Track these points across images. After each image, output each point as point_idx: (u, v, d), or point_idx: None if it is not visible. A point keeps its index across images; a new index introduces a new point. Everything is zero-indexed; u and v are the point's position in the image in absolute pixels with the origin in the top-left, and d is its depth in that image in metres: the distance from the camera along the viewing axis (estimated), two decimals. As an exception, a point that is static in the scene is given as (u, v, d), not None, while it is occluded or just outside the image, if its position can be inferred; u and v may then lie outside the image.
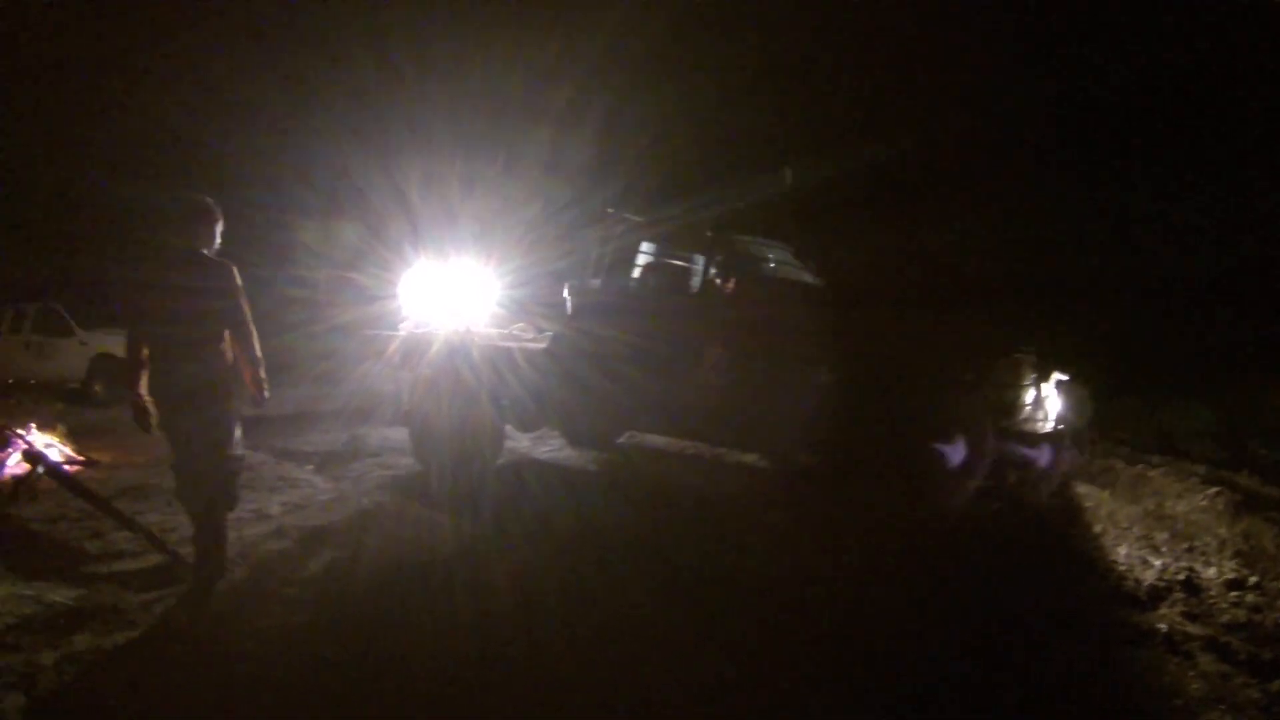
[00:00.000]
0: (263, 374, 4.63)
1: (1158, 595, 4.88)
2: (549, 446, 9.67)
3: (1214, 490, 6.77)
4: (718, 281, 6.79)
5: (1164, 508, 6.81)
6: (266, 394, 4.70)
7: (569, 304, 7.44)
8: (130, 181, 18.10)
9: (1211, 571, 5.27)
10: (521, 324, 8.65)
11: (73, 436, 8.15)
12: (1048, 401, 6.69)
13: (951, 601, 4.77)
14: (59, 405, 12.73)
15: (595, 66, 18.79)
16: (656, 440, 9.52)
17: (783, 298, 6.78)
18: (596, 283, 7.44)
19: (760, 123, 17.71)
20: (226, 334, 4.50)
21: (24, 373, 14.59)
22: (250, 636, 4.05)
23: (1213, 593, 4.93)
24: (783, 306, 6.58)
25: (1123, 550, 5.81)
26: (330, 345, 14.16)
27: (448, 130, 20.47)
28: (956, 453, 5.99)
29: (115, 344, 14.42)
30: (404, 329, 8.58)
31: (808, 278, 7.48)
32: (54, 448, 7.43)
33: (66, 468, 7.00)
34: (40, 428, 7.56)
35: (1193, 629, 4.39)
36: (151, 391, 4.36)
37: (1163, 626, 4.38)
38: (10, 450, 6.64)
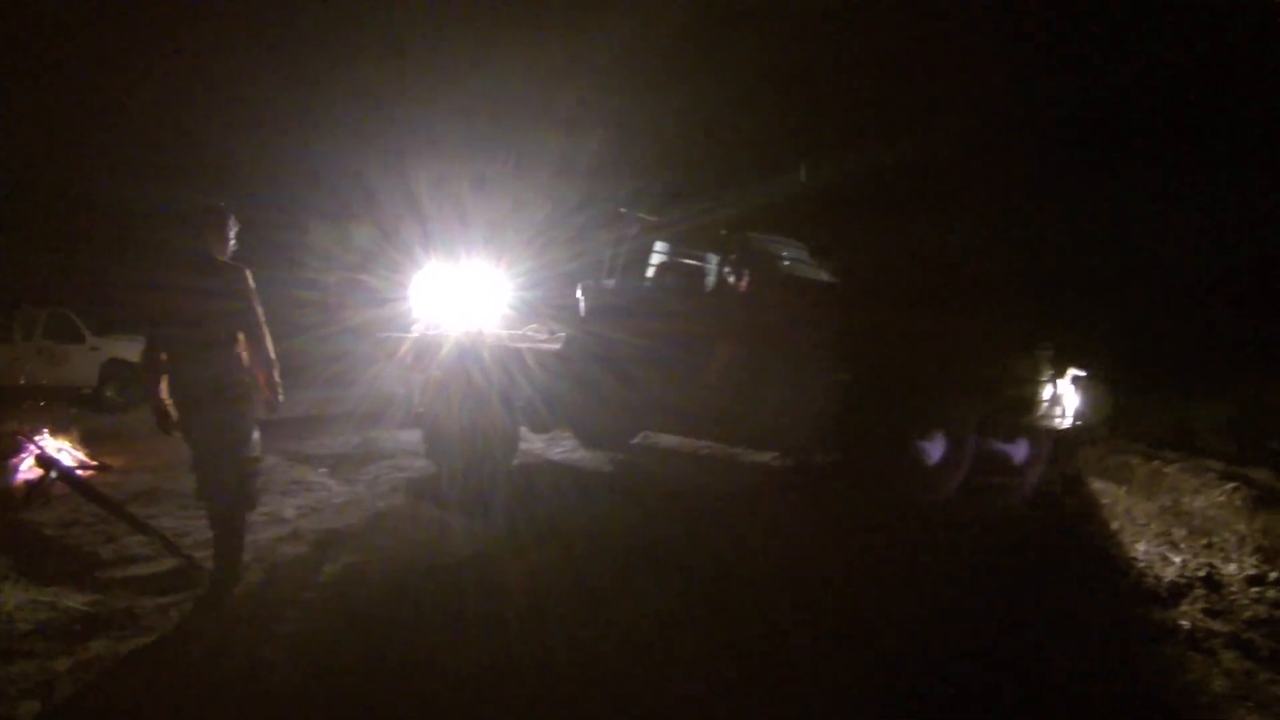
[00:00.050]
0: (277, 377, 4.63)
1: (1178, 592, 4.83)
2: (562, 448, 9.65)
3: (1231, 486, 6.69)
4: (732, 280, 6.77)
5: (1181, 504, 6.76)
6: (281, 397, 4.70)
7: (582, 305, 7.42)
8: (140, 185, 18.14)
9: (1232, 568, 5.23)
10: (535, 325, 8.64)
11: (85, 441, 8.16)
12: (1065, 397, 6.67)
13: (971, 600, 4.73)
14: (71, 410, 12.74)
15: (607, 66, 18.78)
16: (670, 441, 9.51)
17: (798, 296, 6.75)
18: (610, 283, 7.42)
19: (774, 121, 17.67)
20: (241, 337, 4.50)
21: (36, 378, 14.59)
22: (266, 642, 4.02)
23: (1234, 589, 4.89)
24: (798, 305, 6.55)
25: (1141, 547, 5.77)
26: (341, 347, 14.18)
27: (459, 131, 20.49)
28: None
29: (126, 349, 14.49)
30: (415, 331, 8.56)
31: (823, 276, 7.44)
32: (66, 453, 7.45)
33: (79, 472, 7.01)
34: (53, 433, 7.57)
35: (1215, 625, 4.34)
36: (169, 394, 4.38)
37: (1185, 623, 4.34)
38: (23, 455, 6.65)
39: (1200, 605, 4.63)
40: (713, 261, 7.44)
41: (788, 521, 6.43)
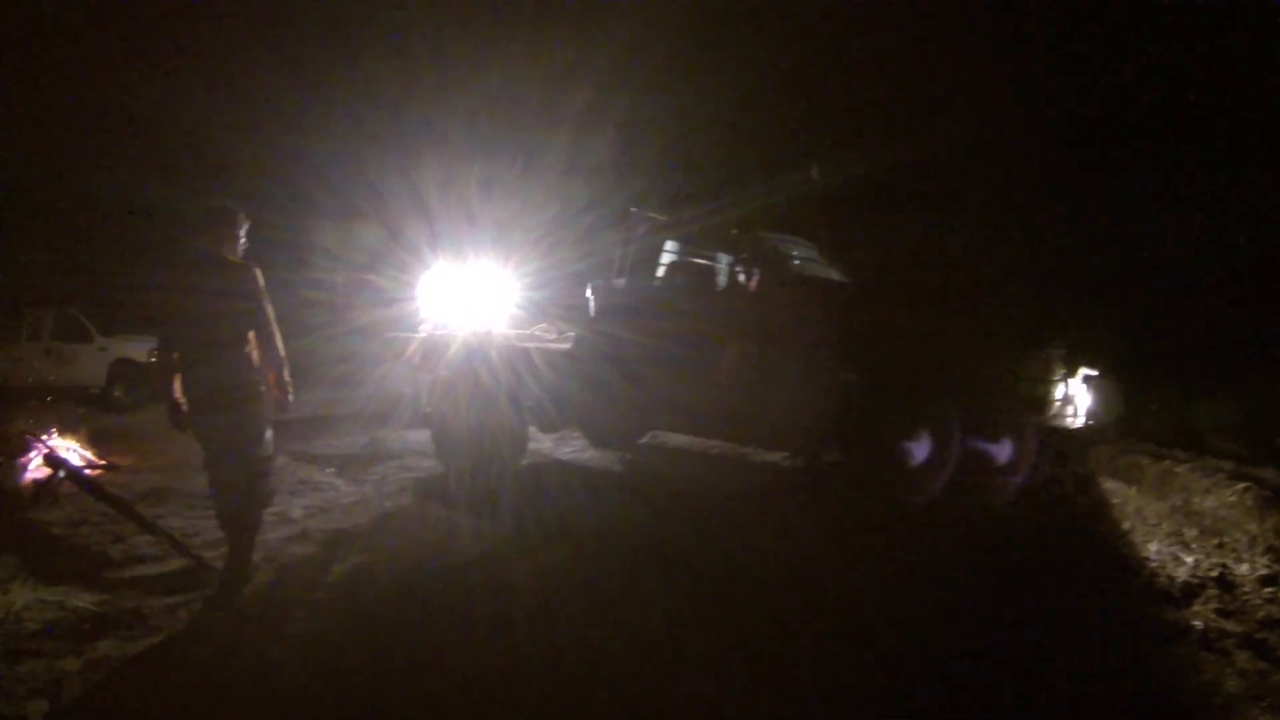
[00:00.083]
0: (287, 376, 4.64)
1: (1191, 592, 4.83)
2: (571, 447, 9.64)
3: (1242, 486, 6.69)
4: (742, 279, 6.75)
5: (1192, 504, 6.76)
6: (291, 396, 4.70)
7: (592, 304, 7.40)
8: (148, 185, 18.17)
9: (1244, 568, 5.22)
10: (544, 325, 8.63)
11: (93, 441, 8.16)
12: (1077, 396, 6.66)
13: (984, 601, 4.73)
14: (79, 410, 12.75)
15: (615, 65, 18.74)
16: (679, 440, 9.50)
17: (808, 296, 6.73)
18: (620, 282, 7.40)
19: (783, 121, 17.66)
20: (251, 336, 4.49)
21: (44, 378, 14.63)
22: (275, 642, 4.01)
23: (1246, 589, 4.88)
24: (808, 305, 6.53)
25: (1153, 547, 5.77)
26: (349, 348, 14.17)
27: (466, 131, 20.48)
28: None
29: (134, 349, 14.54)
30: (423, 331, 8.56)
31: (834, 275, 7.42)
32: (75, 452, 7.44)
33: (88, 472, 7.01)
34: (61, 433, 7.56)
35: (1228, 626, 4.34)
36: (182, 393, 4.41)
37: (1198, 624, 4.34)
38: (32, 455, 6.65)
39: (1213, 605, 4.63)
40: (723, 261, 7.42)
41: (797, 521, 6.41)
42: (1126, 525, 6.38)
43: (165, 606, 4.37)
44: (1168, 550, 5.67)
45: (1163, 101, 14.93)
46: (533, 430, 8.05)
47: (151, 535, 5.48)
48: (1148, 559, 5.50)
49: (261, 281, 4.51)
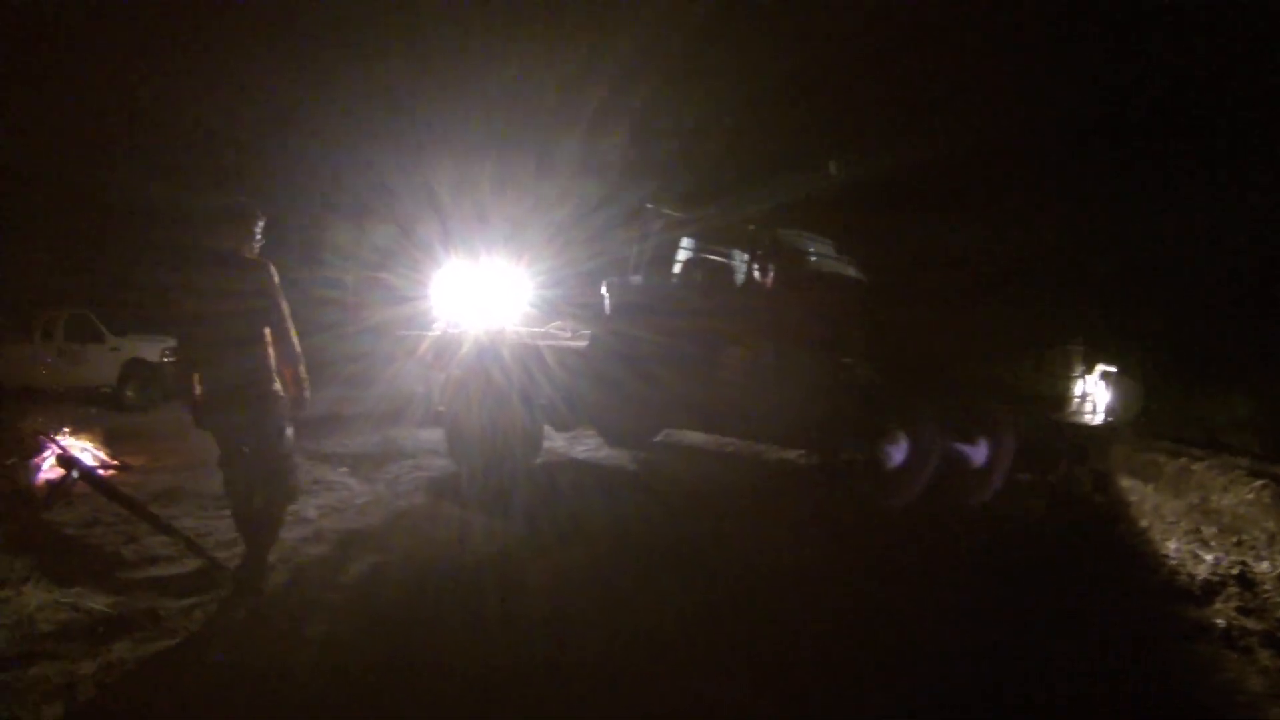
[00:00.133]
0: (303, 373, 4.63)
1: (1212, 590, 4.86)
2: (585, 446, 9.62)
3: (1260, 483, 6.71)
4: (759, 277, 6.72)
5: (1210, 501, 6.80)
6: (308, 394, 4.69)
7: (607, 302, 7.37)
8: (160, 185, 18.21)
9: (1264, 566, 5.26)
10: (559, 323, 8.61)
11: (106, 441, 8.14)
12: (1096, 393, 6.63)
13: (1006, 599, 4.74)
14: (91, 410, 12.78)
15: (629, 62, 18.72)
16: (694, 438, 9.48)
17: (826, 292, 6.69)
18: (637, 280, 7.37)
19: (804, 116, 17.60)
20: (267, 333, 4.48)
21: (56, 379, 14.68)
22: (291, 643, 3.99)
23: (1267, 587, 4.91)
24: (826, 301, 6.50)
25: (1172, 545, 5.80)
26: (361, 346, 14.19)
27: (479, 128, 20.48)
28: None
29: (146, 349, 14.54)
30: (436, 329, 8.54)
31: (851, 272, 7.38)
32: (88, 452, 7.43)
33: (101, 472, 6.99)
34: (74, 432, 7.56)
35: (1250, 624, 4.37)
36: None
37: (1220, 621, 4.38)
38: (44, 455, 6.65)
39: (1234, 603, 4.66)
40: (739, 258, 7.39)
41: (812, 520, 6.40)
42: (1145, 523, 6.39)
43: (181, 608, 4.34)
44: (1187, 548, 5.70)
45: (1184, 99, 14.87)
46: (547, 429, 8.03)
47: (165, 536, 5.47)
48: (1167, 557, 5.53)
49: (277, 279, 4.51)
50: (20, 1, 20.20)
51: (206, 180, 18.58)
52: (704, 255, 7.50)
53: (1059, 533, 6.18)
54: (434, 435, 9.00)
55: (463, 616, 4.38)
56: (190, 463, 7.78)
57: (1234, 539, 5.84)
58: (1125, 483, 7.57)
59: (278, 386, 4.52)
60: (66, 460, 6.52)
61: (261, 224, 4.64)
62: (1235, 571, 5.07)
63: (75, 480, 6.38)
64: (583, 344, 7.59)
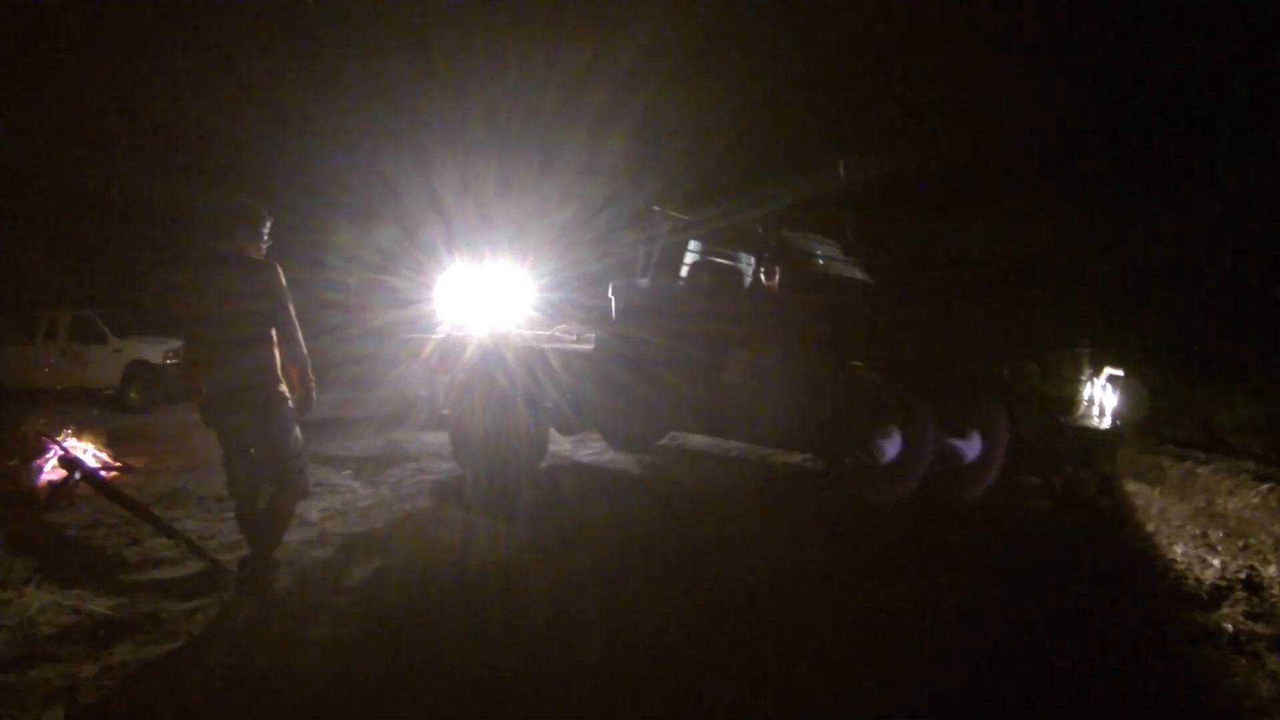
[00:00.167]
0: (310, 374, 4.61)
1: (1219, 594, 4.81)
2: (590, 449, 9.60)
3: (1266, 487, 6.68)
4: (766, 279, 6.71)
5: (1215, 505, 6.78)
6: (314, 395, 4.67)
7: (614, 304, 7.35)
8: (164, 186, 18.21)
9: (1272, 570, 5.23)
10: (563, 326, 8.59)
11: (108, 443, 8.13)
12: (1103, 396, 6.62)
13: (1010, 602, 4.71)
14: (94, 412, 12.79)
15: (634, 63, 18.72)
16: (699, 442, 9.46)
17: (833, 295, 6.67)
18: (644, 282, 7.36)
19: (811, 117, 17.63)
20: (274, 333, 4.47)
21: (59, 380, 14.71)
22: (294, 646, 3.97)
23: (1275, 591, 4.87)
24: (833, 304, 6.48)
25: (1179, 549, 5.76)
26: (365, 349, 14.20)
27: (483, 129, 20.48)
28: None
29: (149, 351, 14.56)
30: (440, 332, 8.53)
31: (858, 274, 7.36)
32: (90, 454, 7.42)
33: (103, 474, 6.98)
34: (76, 434, 7.55)
35: (1258, 628, 4.32)
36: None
37: (1228, 626, 4.32)
38: (47, 456, 6.64)
39: (1241, 608, 4.62)
40: (745, 260, 7.37)
41: (815, 522, 6.39)
42: (1151, 527, 6.35)
43: (183, 610, 4.33)
44: (1194, 552, 5.67)
45: (1185, 100, 14.88)
46: (552, 432, 8.01)
47: (168, 538, 5.46)
48: (1174, 561, 5.49)
49: (284, 280, 4.50)
50: (20, 1, 20.22)
51: (209, 181, 18.57)
52: (711, 258, 7.48)
53: (1063, 535, 6.16)
54: (438, 438, 8.98)
55: (466, 619, 4.35)
56: (193, 465, 7.78)
57: (1241, 543, 5.80)
58: (1130, 486, 7.54)
59: (284, 387, 4.51)
60: (69, 462, 6.51)
61: (269, 225, 4.63)
62: (1242, 576, 5.03)
63: (77, 482, 6.38)
64: (588, 347, 7.57)
